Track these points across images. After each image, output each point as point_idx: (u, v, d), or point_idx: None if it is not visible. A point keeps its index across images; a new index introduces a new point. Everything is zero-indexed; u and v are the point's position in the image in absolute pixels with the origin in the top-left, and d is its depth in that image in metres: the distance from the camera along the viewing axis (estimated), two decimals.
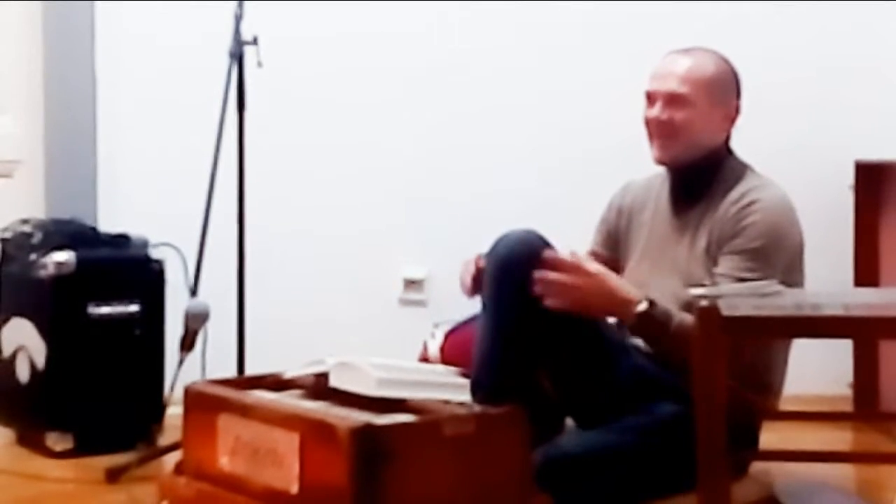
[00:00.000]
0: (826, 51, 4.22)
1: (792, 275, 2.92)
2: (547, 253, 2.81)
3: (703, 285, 2.74)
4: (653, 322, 2.81)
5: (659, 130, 3.03)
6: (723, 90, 3.03)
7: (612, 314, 2.89)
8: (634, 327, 2.85)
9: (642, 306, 2.81)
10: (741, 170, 3.05)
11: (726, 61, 3.08)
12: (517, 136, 4.27)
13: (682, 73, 3.01)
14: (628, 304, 2.82)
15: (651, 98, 3.05)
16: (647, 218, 3.15)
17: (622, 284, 2.88)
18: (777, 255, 2.91)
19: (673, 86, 3.01)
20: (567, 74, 4.26)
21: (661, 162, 3.07)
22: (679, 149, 3.02)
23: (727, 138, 3.08)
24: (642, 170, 3.22)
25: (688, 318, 2.83)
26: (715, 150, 3.05)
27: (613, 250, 3.21)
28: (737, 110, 3.06)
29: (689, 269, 2.96)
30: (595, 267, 2.85)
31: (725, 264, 2.91)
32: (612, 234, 3.23)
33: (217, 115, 3.47)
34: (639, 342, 3.04)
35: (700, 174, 3.04)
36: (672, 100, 3.00)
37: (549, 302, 2.77)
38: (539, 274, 2.78)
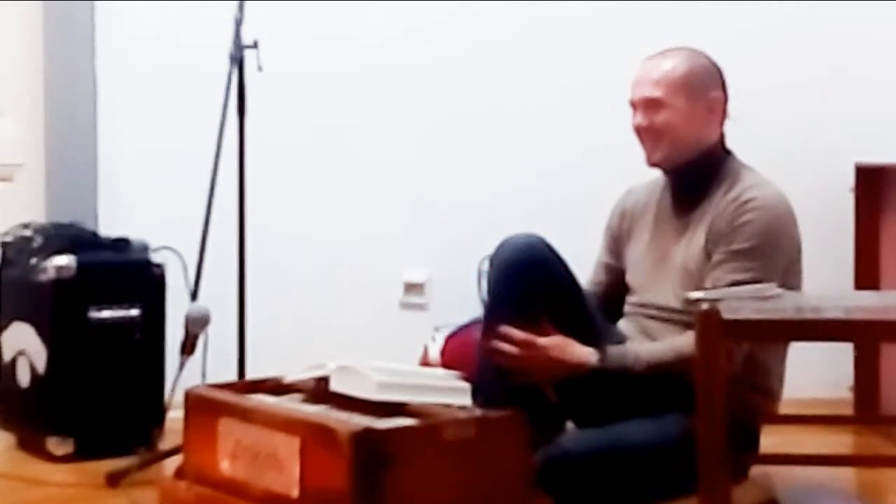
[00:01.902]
0: (826, 54, 4.22)
1: (789, 277, 2.92)
2: (502, 328, 2.87)
3: (704, 288, 2.74)
4: (611, 370, 2.89)
5: (643, 136, 3.06)
6: (699, 86, 3.04)
7: (572, 374, 2.91)
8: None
9: (591, 363, 2.89)
10: (739, 169, 3.06)
11: (702, 56, 3.09)
12: (519, 139, 4.27)
13: (655, 77, 3.05)
14: (580, 366, 2.89)
15: (633, 107, 3.08)
16: (648, 220, 3.16)
17: (572, 350, 2.91)
18: (773, 255, 2.92)
19: (647, 92, 3.04)
20: (569, 78, 4.26)
21: (652, 165, 3.09)
22: (666, 150, 3.04)
23: (722, 137, 3.08)
24: (645, 173, 3.22)
25: (657, 353, 2.88)
26: (710, 150, 3.06)
27: (619, 258, 3.22)
28: (721, 103, 3.07)
29: (686, 267, 2.97)
30: (543, 340, 2.89)
31: (721, 265, 2.91)
32: (616, 238, 3.24)
33: (217, 118, 3.47)
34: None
35: (697, 175, 3.05)
36: (649, 105, 3.04)
37: (515, 378, 2.86)
38: (497, 346, 2.86)
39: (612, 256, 3.24)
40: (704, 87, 3.05)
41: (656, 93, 3.02)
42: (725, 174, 3.04)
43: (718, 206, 2.99)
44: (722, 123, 3.09)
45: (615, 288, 3.20)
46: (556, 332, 2.91)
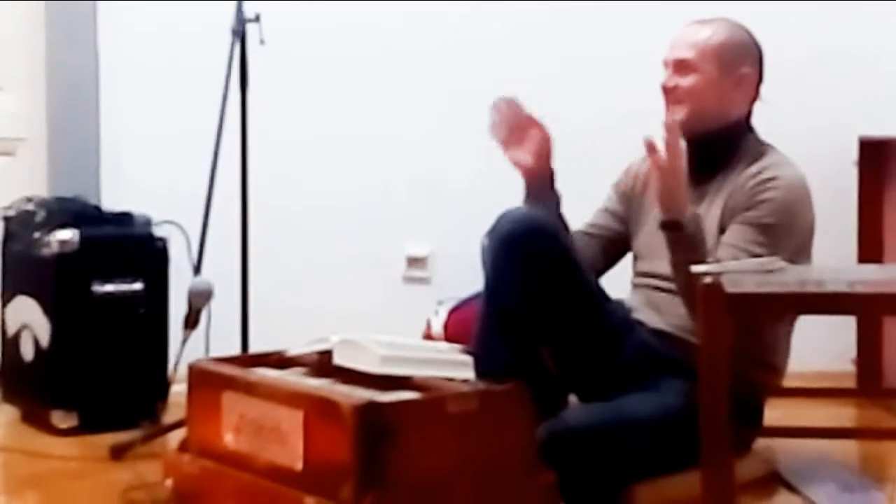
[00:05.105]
0: (830, 26, 4.21)
1: (799, 257, 2.92)
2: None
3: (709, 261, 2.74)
4: (693, 233, 2.82)
5: (667, 97, 3.06)
6: (732, 58, 3.04)
7: (671, 201, 2.85)
8: (676, 229, 2.84)
9: (687, 212, 2.82)
10: (762, 147, 3.06)
11: (744, 31, 3.09)
12: None
13: (692, 40, 3.05)
14: (679, 199, 2.81)
15: (665, 66, 3.08)
16: None
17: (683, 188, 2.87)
18: (788, 235, 2.92)
19: (681, 53, 3.05)
20: (569, 52, 4.25)
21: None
22: (684, 114, 3.03)
23: (748, 115, 3.08)
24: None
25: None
26: (734, 124, 3.05)
27: (626, 208, 3.20)
28: (752, 80, 3.06)
29: None
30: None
31: (734, 233, 2.90)
32: (627, 194, 3.21)
33: (220, 92, 3.47)
34: (643, 318, 3.05)
35: (718, 147, 3.05)
36: (680, 66, 3.05)
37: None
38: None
39: (618, 205, 3.21)
40: (738, 60, 3.04)
41: (689, 55, 3.03)
42: (746, 150, 3.04)
43: (737, 181, 2.98)
44: (751, 102, 3.08)
45: (614, 234, 3.19)
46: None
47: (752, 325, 2.91)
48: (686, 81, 3.03)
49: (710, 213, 3.00)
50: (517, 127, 3.12)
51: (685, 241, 2.81)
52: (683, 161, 2.86)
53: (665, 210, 2.85)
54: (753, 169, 2.98)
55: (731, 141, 3.05)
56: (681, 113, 3.04)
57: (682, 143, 2.87)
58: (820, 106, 4.21)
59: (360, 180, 4.29)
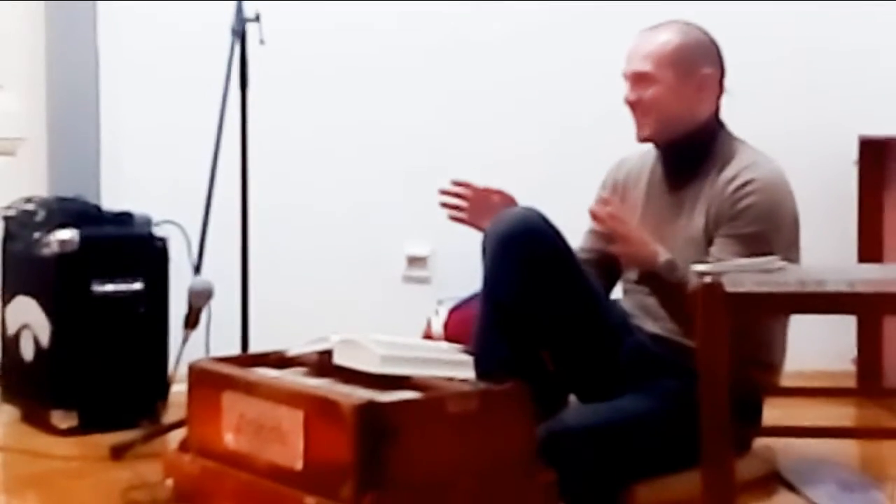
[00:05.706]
0: (829, 26, 4.21)
1: (790, 252, 2.92)
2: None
3: (704, 262, 2.74)
4: (672, 278, 2.85)
5: (634, 111, 3.05)
6: (690, 61, 3.02)
7: (637, 261, 2.92)
8: (655, 279, 2.90)
9: (658, 262, 2.86)
10: (733, 144, 3.04)
11: (697, 30, 3.06)
12: (520, 112, 4.27)
13: (645, 51, 3.03)
14: (649, 256, 2.88)
15: (625, 79, 3.07)
16: (640, 193, 3.15)
17: (649, 242, 2.92)
18: (776, 236, 2.91)
19: (637, 66, 3.03)
20: (569, 52, 4.25)
21: (641, 140, 3.08)
22: (655, 126, 3.03)
23: (717, 112, 3.07)
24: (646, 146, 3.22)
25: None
26: (703, 125, 3.03)
27: None
28: (714, 79, 3.04)
29: (685, 248, 2.95)
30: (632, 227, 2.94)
31: (722, 247, 2.90)
32: None
33: (220, 92, 3.47)
34: (637, 323, 3.05)
35: (690, 150, 3.04)
36: (638, 79, 3.03)
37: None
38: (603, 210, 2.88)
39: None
40: (696, 62, 3.02)
41: (646, 67, 3.01)
42: (719, 150, 3.02)
43: (715, 185, 2.97)
44: (717, 99, 3.06)
45: (604, 254, 3.19)
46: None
47: (746, 324, 2.91)
48: (648, 94, 3.02)
49: (692, 221, 3.00)
50: (478, 203, 3.13)
51: (668, 288, 2.84)
52: (631, 223, 2.93)
53: (638, 268, 2.87)
54: (729, 172, 2.97)
55: (703, 143, 3.03)
56: (649, 127, 3.03)
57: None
58: (820, 105, 4.21)
59: (360, 180, 4.29)
